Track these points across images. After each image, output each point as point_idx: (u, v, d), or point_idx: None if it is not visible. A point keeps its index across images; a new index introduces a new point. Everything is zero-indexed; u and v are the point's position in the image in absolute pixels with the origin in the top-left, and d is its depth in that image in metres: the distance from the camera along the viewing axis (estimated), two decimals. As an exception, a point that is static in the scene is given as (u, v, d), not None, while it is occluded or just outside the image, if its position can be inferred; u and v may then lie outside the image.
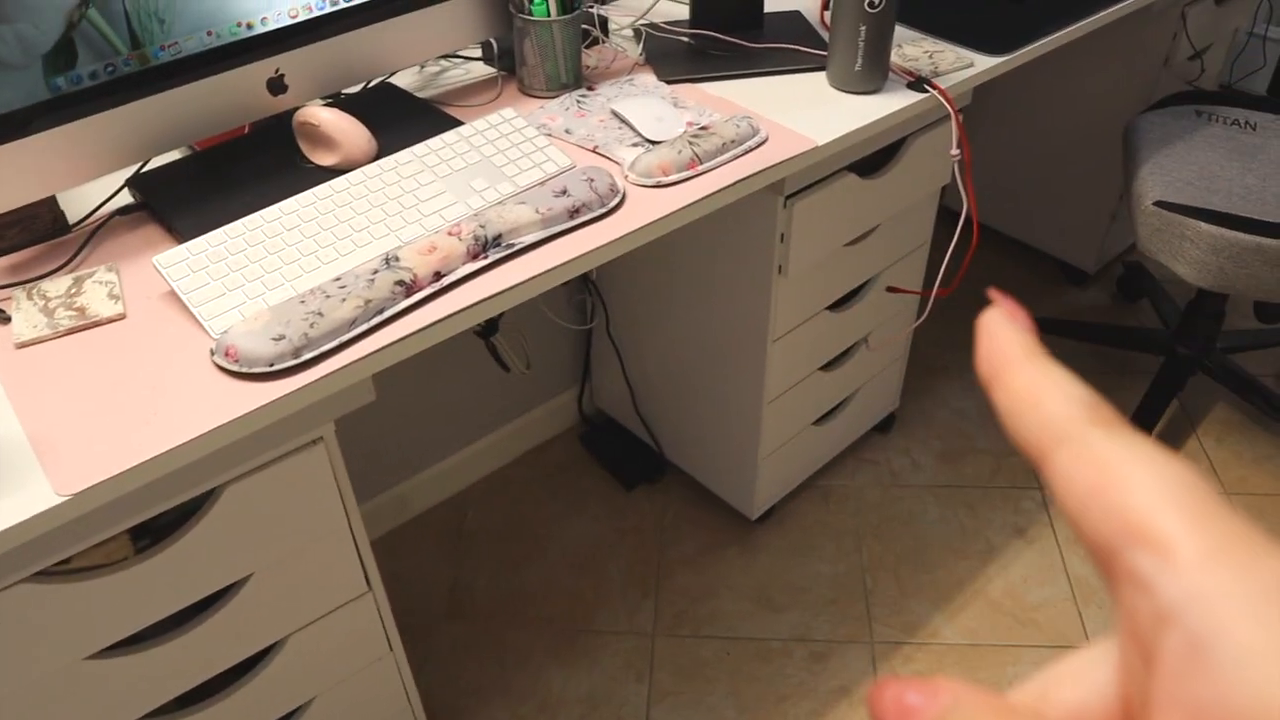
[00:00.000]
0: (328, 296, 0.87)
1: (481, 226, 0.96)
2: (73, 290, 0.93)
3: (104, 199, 1.06)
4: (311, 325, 0.85)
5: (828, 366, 1.61)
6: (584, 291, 1.77)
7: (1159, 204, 1.61)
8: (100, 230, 1.02)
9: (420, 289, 0.91)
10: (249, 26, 1.01)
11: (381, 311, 0.88)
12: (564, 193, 1.01)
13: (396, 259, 0.91)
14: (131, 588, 0.88)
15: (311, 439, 0.93)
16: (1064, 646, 1.54)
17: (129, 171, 1.08)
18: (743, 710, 1.46)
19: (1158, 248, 1.64)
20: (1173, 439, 1.91)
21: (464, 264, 0.94)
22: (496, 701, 1.48)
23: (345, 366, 0.85)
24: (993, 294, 0.28)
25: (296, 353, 0.83)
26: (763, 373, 1.47)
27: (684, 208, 1.05)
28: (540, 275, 0.96)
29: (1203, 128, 1.79)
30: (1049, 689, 0.22)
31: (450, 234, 0.95)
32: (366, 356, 0.86)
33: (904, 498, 1.79)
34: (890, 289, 1.61)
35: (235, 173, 1.08)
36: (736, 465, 1.64)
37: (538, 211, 0.98)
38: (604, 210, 1.02)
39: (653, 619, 1.59)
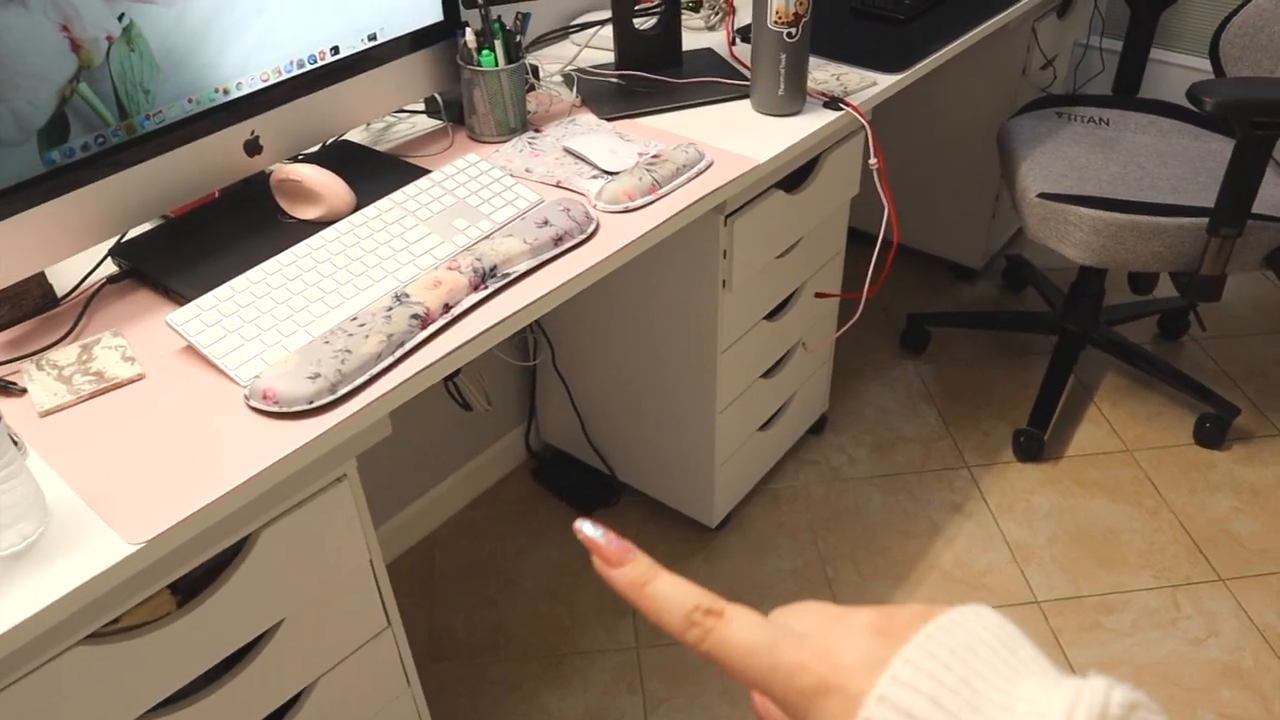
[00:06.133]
0: (350, 335, 0.92)
1: (478, 259, 1.02)
2: (84, 357, 0.95)
3: (89, 269, 1.08)
4: (343, 362, 0.89)
5: (768, 374, 1.71)
6: (527, 329, 1.83)
7: (1042, 195, 1.78)
8: (94, 299, 1.03)
9: (434, 320, 0.96)
10: (225, 92, 1.06)
11: (403, 344, 0.93)
12: (546, 223, 1.08)
13: (407, 295, 0.97)
14: (176, 642, 0.89)
15: (336, 476, 0.96)
16: (1016, 604, 1.66)
17: (109, 244, 1.10)
18: (735, 704, 1.53)
19: (1045, 234, 1.80)
20: (1074, 407, 2.09)
21: (468, 295, 0.99)
22: (494, 733, 1.51)
23: (377, 399, 0.90)
24: (581, 530, 0.37)
25: (333, 388, 0.88)
26: (714, 383, 1.56)
27: (653, 229, 1.14)
28: (539, 299, 1.02)
29: (1064, 126, 1.99)
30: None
31: (450, 268, 1.00)
32: (396, 388, 0.91)
33: (847, 491, 1.90)
34: (819, 294, 1.73)
35: (216, 235, 1.11)
36: (693, 476, 1.72)
37: (526, 242, 1.05)
38: (584, 236, 1.10)
39: (633, 633, 1.64)
